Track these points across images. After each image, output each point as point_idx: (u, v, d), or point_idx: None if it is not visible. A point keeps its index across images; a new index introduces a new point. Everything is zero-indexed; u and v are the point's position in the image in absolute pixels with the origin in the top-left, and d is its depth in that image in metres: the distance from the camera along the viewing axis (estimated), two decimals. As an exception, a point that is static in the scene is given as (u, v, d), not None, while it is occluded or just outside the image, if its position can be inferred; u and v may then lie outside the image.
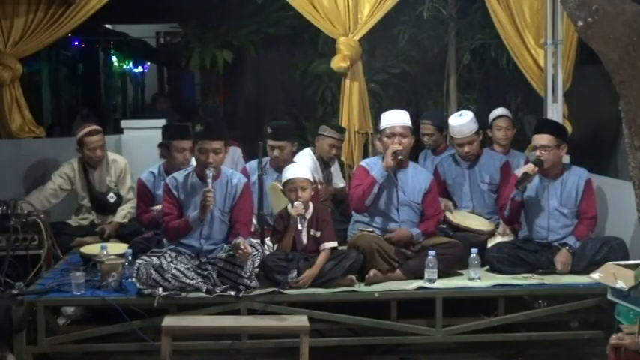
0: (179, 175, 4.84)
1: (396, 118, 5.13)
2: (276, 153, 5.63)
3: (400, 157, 4.98)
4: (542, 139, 5.06)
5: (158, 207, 5.26)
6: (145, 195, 5.47)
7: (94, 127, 6.04)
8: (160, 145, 5.64)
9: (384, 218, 5.08)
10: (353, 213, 5.22)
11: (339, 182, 6.33)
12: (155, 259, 4.57)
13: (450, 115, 7.17)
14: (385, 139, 5.10)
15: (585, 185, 5.14)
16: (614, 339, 3.62)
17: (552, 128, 5.18)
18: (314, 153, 6.17)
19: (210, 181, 4.62)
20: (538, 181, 5.15)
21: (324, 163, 6.16)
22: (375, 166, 5.12)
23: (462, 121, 5.62)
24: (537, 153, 5.04)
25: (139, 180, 5.54)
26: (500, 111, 6.29)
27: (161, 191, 5.21)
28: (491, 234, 5.46)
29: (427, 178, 5.23)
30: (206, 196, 4.56)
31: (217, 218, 4.74)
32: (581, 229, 5.13)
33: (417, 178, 5.17)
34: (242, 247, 4.48)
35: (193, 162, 5.07)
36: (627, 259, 4.59)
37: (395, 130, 5.06)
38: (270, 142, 5.67)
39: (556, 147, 5.06)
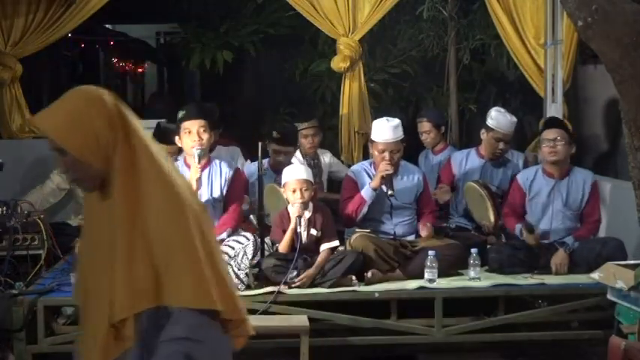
0: None
1: (388, 134, 4.96)
2: (281, 158, 5.54)
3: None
4: (554, 132, 5.02)
5: None
6: None
7: None
8: None
9: (378, 223, 5.09)
10: None
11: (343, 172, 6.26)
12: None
13: (450, 115, 7.21)
14: (376, 152, 5.01)
15: (592, 187, 5.10)
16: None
17: (563, 125, 5.19)
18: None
19: (196, 159, 4.59)
20: (544, 181, 5.12)
21: (306, 159, 6.10)
22: (362, 175, 5.11)
23: (511, 117, 5.58)
24: (548, 148, 5.00)
25: None
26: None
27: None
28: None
29: (418, 178, 5.21)
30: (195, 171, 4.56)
31: (210, 206, 4.69)
32: (582, 231, 5.09)
33: (407, 180, 5.15)
34: None
35: None
36: (626, 260, 4.58)
37: (387, 146, 4.95)
38: (277, 147, 5.60)
39: (567, 143, 5.03)
